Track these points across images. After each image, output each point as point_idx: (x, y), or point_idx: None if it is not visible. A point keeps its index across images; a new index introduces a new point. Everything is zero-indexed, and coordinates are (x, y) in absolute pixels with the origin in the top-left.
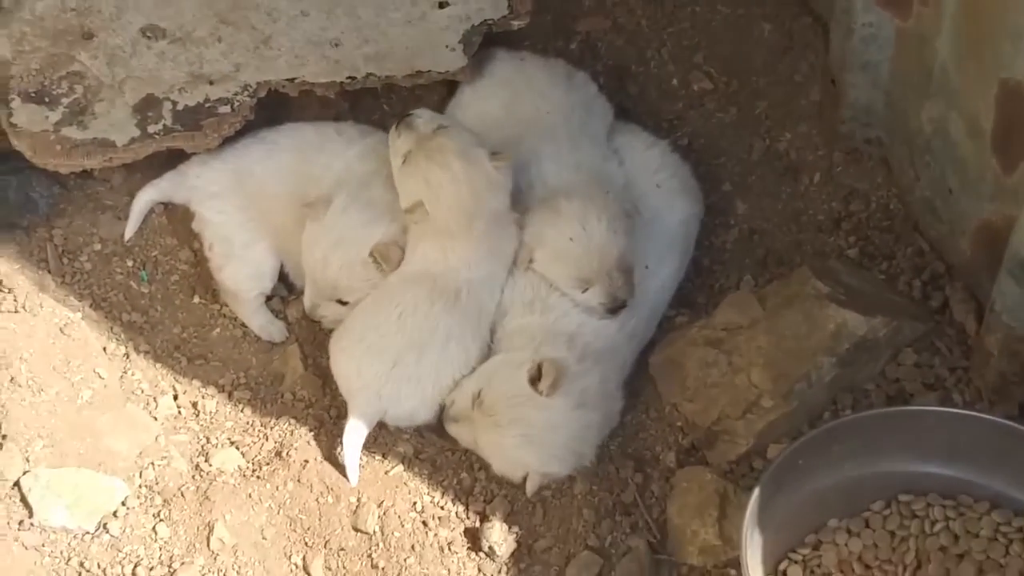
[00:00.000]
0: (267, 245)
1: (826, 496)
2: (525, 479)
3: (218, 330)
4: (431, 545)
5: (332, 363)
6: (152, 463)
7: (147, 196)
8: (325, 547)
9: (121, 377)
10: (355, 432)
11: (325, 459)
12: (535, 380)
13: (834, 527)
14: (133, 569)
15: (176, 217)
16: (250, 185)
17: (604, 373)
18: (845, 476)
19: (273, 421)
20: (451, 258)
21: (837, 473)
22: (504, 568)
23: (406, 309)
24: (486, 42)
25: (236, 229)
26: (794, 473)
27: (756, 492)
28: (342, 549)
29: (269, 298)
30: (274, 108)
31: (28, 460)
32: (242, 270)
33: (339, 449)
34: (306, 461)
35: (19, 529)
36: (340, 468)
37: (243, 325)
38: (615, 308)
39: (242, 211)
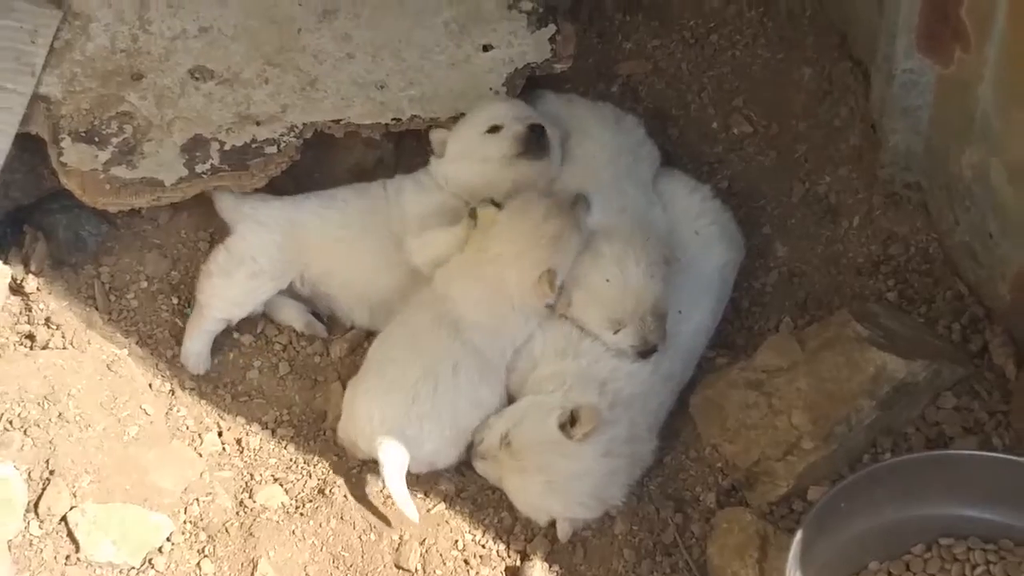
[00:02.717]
0: (274, 287)
1: (867, 539)
2: (553, 523)
3: (261, 367)
4: None
5: (352, 406)
6: (197, 499)
7: (223, 193)
8: None
9: (167, 413)
10: (395, 474)
11: (367, 496)
12: (566, 425)
13: (875, 570)
14: None
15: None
16: (300, 235)
17: (633, 419)
18: (886, 519)
19: (316, 458)
20: (452, 287)
21: (878, 516)
22: None
23: (417, 329)
24: (529, 85)
25: (260, 256)
26: (836, 515)
27: (799, 534)
28: None
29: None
30: (319, 148)
31: (75, 495)
32: (228, 289)
33: (382, 487)
34: (348, 498)
35: (66, 564)
36: (380, 506)
37: (289, 361)
38: (646, 352)
39: (279, 249)
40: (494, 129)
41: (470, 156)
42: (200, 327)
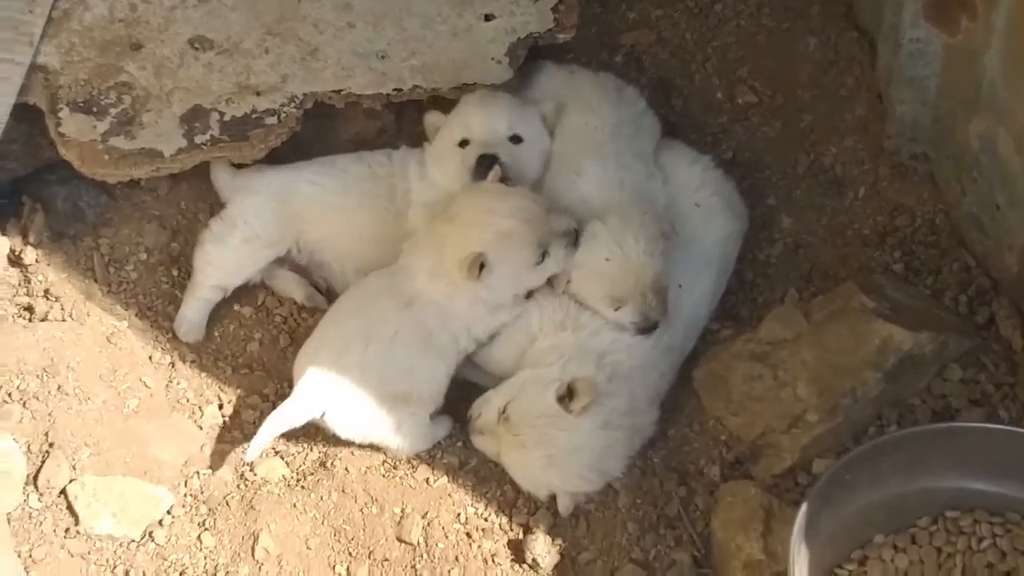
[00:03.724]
0: (269, 253)
1: (872, 512)
2: (554, 497)
3: (262, 340)
4: (475, 557)
5: (296, 361)
6: (197, 472)
7: (219, 168)
8: (369, 557)
9: (167, 386)
10: (286, 414)
11: (369, 470)
12: (564, 398)
13: (880, 543)
14: None
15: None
16: (296, 202)
17: (633, 391)
18: (892, 492)
19: (317, 431)
20: (412, 257)
21: (884, 489)
22: None
23: (365, 297)
24: (531, 55)
25: (254, 220)
26: (841, 488)
27: (804, 507)
28: (386, 560)
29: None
30: (320, 119)
31: (75, 468)
32: (222, 256)
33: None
34: (349, 471)
35: (65, 537)
36: (384, 479)
37: (290, 333)
38: (647, 328)
39: (274, 214)
40: (464, 143)
41: (444, 165)
42: (195, 294)
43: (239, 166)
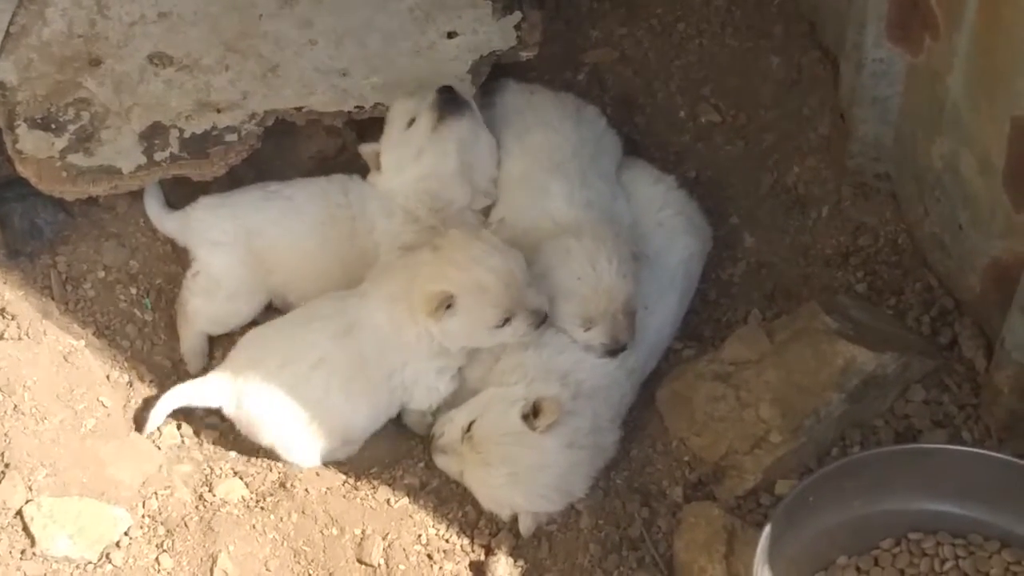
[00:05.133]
0: (253, 308)
1: (836, 533)
2: (516, 518)
3: (222, 358)
4: None
5: None
6: (155, 493)
7: (152, 197)
8: None
9: (125, 406)
10: (184, 390)
11: (329, 491)
12: (528, 417)
13: (843, 564)
14: None
15: (180, 245)
16: (259, 244)
17: (596, 410)
18: (855, 513)
19: None
20: (375, 281)
21: (847, 510)
22: None
23: (301, 320)
24: (494, 73)
25: (232, 280)
26: (804, 510)
27: (767, 528)
28: None
29: None
30: (281, 136)
31: (31, 489)
32: (211, 310)
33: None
34: (310, 492)
35: (21, 559)
36: (345, 500)
37: None
38: (615, 350)
39: (245, 266)
40: (412, 123)
41: (407, 158)
42: (192, 331)
43: (198, 185)
